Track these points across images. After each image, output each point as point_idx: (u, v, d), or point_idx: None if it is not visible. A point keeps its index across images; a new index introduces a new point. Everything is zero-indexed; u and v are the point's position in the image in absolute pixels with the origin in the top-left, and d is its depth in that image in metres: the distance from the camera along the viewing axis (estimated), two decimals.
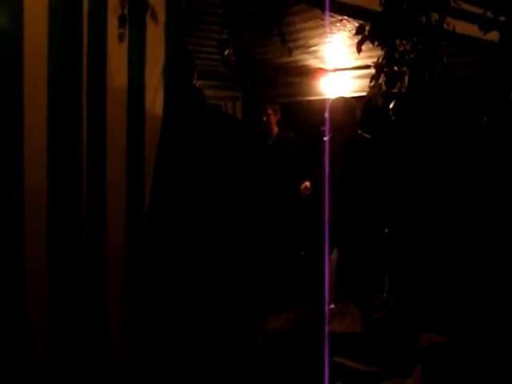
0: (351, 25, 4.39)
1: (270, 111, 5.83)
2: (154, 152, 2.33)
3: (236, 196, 2.81)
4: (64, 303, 2.23)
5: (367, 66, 5.06)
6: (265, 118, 5.82)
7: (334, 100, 5.09)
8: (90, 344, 2.32)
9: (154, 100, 2.33)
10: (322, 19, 4.48)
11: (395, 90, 3.15)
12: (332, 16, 4.09)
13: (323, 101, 5.85)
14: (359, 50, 3.08)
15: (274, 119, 5.86)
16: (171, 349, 2.68)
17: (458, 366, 3.86)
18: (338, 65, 5.99)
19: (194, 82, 2.80)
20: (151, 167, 2.33)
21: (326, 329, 4.28)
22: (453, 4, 3.17)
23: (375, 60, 3.36)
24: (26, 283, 2.14)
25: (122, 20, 2.20)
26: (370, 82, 3.15)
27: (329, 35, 4.95)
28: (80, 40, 2.15)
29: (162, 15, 2.32)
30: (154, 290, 2.53)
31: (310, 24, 4.75)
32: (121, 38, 2.23)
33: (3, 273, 2.10)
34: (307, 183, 5.20)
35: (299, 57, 5.75)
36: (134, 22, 2.25)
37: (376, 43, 3.00)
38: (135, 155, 2.32)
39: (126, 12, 2.21)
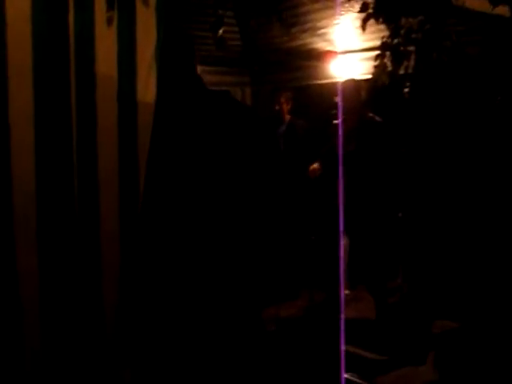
0: (359, 5, 4.28)
1: (282, 99, 5.89)
2: (147, 140, 2.25)
3: (239, 185, 2.72)
4: (58, 304, 2.17)
5: (378, 47, 4.94)
6: (277, 107, 5.87)
7: (343, 82, 5.00)
8: (87, 345, 2.27)
9: (146, 86, 2.25)
10: (330, 0, 4.39)
11: (402, 71, 3.04)
12: None
13: (334, 84, 5.74)
14: (364, 29, 2.97)
15: (286, 107, 5.93)
16: (174, 344, 2.62)
17: (471, 353, 3.77)
18: (348, 47, 5.85)
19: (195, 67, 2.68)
20: (145, 155, 2.26)
21: (342, 317, 4.19)
22: None
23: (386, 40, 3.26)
24: (19, 291, 2.09)
25: (110, 3, 2.12)
26: (375, 61, 3.05)
27: (337, 16, 4.84)
28: (66, 25, 2.08)
29: None
30: (152, 285, 2.46)
31: (318, 6, 4.67)
32: (109, 21, 2.15)
33: None
34: (315, 165, 5.15)
35: (308, 40, 5.65)
36: (124, 5, 2.17)
37: (381, 21, 2.88)
38: (127, 142, 2.25)
39: None
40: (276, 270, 5.05)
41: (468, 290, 4.54)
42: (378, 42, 4.69)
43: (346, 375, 3.64)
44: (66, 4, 2.06)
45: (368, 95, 4.34)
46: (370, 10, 2.89)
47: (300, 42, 5.68)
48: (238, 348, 2.94)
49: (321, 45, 5.88)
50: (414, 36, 2.94)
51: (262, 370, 3.50)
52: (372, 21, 3.14)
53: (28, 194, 2.10)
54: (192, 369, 2.71)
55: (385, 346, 4.29)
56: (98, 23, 2.15)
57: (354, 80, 5.04)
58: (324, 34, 5.49)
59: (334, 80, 5.95)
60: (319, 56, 6.11)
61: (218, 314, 2.82)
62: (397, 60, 2.92)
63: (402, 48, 2.90)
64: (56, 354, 2.22)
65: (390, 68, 2.96)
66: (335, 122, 4.85)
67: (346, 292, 5.54)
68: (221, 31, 2.87)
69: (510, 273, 4.23)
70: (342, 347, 3.65)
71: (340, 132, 4.68)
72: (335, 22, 5.04)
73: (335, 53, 6.03)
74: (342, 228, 4.46)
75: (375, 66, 3.03)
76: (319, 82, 6.29)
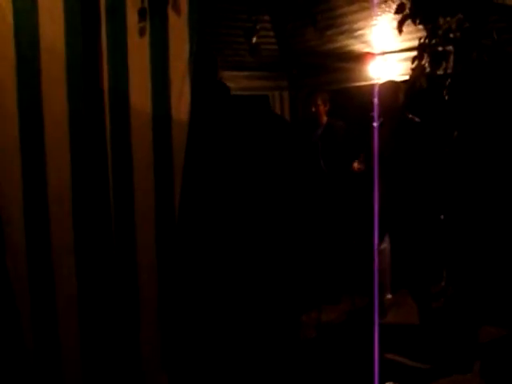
0: (396, 6, 4.22)
1: (319, 101, 5.77)
2: (183, 152, 2.24)
3: (275, 191, 2.71)
4: (95, 314, 2.19)
5: (416, 48, 4.86)
6: (314, 109, 5.76)
7: (382, 84, 4.93)
8: (124, 353, 2.27)
9: (180, 96, 2.24)
10: (366, 1, 4.34)
11: (440, 72, 2.96)
12: None
13: (372, 86, 5.66)
14: (400, 30, 2.91)
15: (323, 109, 5.79)
16: (211, 347, 2.61)
17: None
18: (386, 48, 5.77)
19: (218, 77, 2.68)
20: (180, 166, 2.25)
21: (376, 323, 4.10)
22: None
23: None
24: (55, 298, 2.11)
25: (142, 13, 2.12)
26: (412, 63, 2.98)
27: (374, 18, 4.78)
28: (98, 36, 2.08)
29: (184, 6, 2.22)
30: (191, 292, 2.46)
31: (355, 7, 4.61)
32: (142, 32, 2.15)
33: (34, 284, 2.08)
34: (357, 163, 5.08)
35: (345, 42, 5.59)
36: (155, 15, 2.17)
37: (418, 21, 2.81)
38: (162, 155, 2.25)
39: (146, 5, 2.12)
40: (317, 274, 5.01)
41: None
42: (416, 42, 4.63)
43: None
44: (97, 15, 2.08)
45: (407, 96, 4.26)
46: (407, 11, 2.82)
47: (337, 45, 5.63)
48: (272, 351, 2.93)
49: (358, 47, 5.82)
50: (452, 36, 2.86)
51: (299, 375, 3.47)
52: (410, 21, 3.07)
53: (64, 208, 2.13)
54: (227, 372, 2.71)
55: (429, 352, 4.19)
56: (130, 34, 2.16)
57: (392, 81, 4.96)
58: (361, 35, 5.43)
59: (372, 82, 5.88)
60: (357, 58, 6.04)
61: (257, 319, 2.81)
62: (435, 61, 2.85)
63: (440, 48, 2.82)
64: (95, 367, 2.23)
65: (428, 69, 2.88)
66: (376, 124, 4.78)
67: (388, 296, 5.45)
68: (254, 38, 2.84)
69: None
70: (376, 354, 3.58)
71: (378, 134, 4.62)
72: (372, 23, 4.97)
73: (373, 54, 5.96)
74: (376, 231, 4.39)
75: (413, 69, 2.95)
76: (358, 84, 6.23)
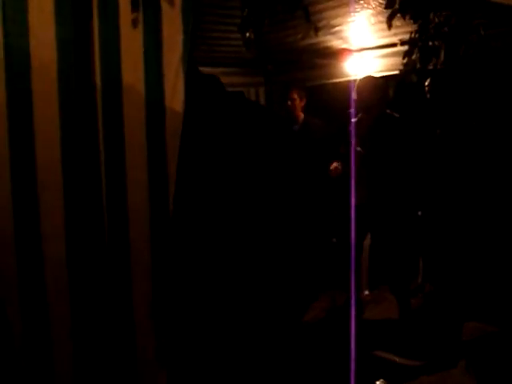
0: (375, 2, 4.20)
1: (295, 96, 5.64)
2: (177, 144, 2.18)
3: (266, 187, 2.68)
4: (87, 312, 2.11)
5: (393, 45, 4.86)
6: (289, 103, 5.63)
7: (361, 79, 4.91)
8: (118, 356, 2.20)
9: (174, 89, 2.17)
10: None
11: (431, 67, 2.95)
12: None
13: (349, 82, 5.64)
14: (389, 25, 2.88)
15: (299, 104, 5.66)
16: (210, 346, 2.57)
17: (507, 358, 3.65)
18: (363, 44, 5.77)
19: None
20: (174, 160, 2.18)
21: (353, 321, 4.07)
22: None
23: (401, 38, 3.18)
24: (46, 295, 2.04)
25: (134, 4, 2.05)
26: (403, 58, 2.96)
27: (352, 14, 4.75)
28: (90, 27, 2.01)
29: None
30: (186, 293, 2.41)
31: (333, 3, 4.57)
32: (135, 23, 2.08)
33: (25, 284, 2.01)
34: (336, 164, 5.02)
35: (322, 38, 5.53)
36: (149, 6, 2.09)
37: (407, 17, 2.79)
38: (156, 147, 2.18)
39: None
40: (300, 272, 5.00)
41: (500, 290, 4.43)
42: (393, 39, 4.63)
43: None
44: (89, 6, 2.00)
45: (386, 92, 4.23)
46: (396, 6, 2.80)
47: (314, 41, 5.58)
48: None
49: (335, 43, 5.79)
50: (442, 31, 2.85)
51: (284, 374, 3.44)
52: (386, 17, 3.04)
53: (55, 208, 2.05)
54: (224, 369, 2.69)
55: (412, 348, 4.19)
56: (123, 25, 2.08)
57: (371, 77, 4.95)
58: (338, 31, 5.39)
59: (349, 78, 5.87)
60: (334, 54, 6.03)
61: (253, 317, 2.79)
62: (425, 57, 2.83)
63: (431, 43, 2.80)
64: (88, 368, 2.16)
65: (418, 65, 2.86)
66: (354, 120, 4.77)
67: (366, 293, 5.47)
68: (248, 33, 2.77)
69: None
70: (352, 351, 3.57)
71: (357, 130, 4.60)
72: (350, 19, 4.95)
73: (350, 51, 5.95)
74: (355, 229, 4.38)
75: (404, 64, 2.93)
76: (334, 80, 6.21)
